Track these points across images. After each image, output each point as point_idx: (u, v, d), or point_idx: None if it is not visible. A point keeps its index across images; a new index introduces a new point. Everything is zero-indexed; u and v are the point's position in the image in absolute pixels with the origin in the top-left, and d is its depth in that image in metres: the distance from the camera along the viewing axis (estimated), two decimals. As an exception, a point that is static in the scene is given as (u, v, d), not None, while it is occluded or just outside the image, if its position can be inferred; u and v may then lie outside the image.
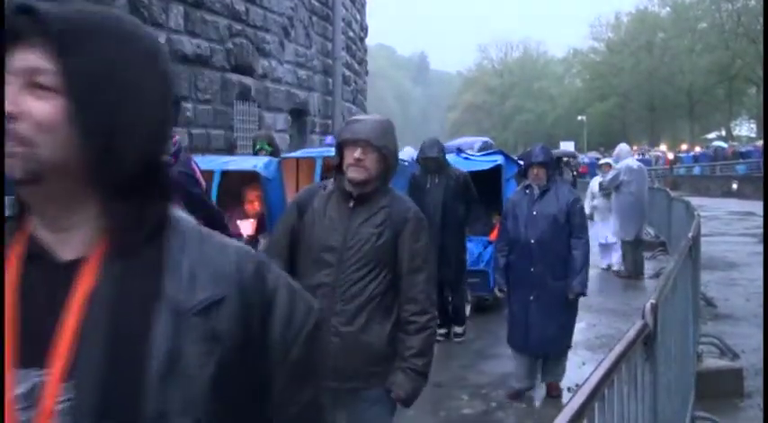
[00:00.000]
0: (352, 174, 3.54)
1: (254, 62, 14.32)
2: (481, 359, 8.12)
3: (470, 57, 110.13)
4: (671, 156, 52.47)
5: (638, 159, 17.00)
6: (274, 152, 8.76)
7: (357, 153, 3.51)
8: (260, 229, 7.12)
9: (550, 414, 6.27)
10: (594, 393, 2.31)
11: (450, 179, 8.51)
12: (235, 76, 13.53)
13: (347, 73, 20.40)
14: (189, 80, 12.05)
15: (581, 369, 7.29)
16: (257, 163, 7.48)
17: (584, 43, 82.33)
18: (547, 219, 6.44)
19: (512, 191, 9.37)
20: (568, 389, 6.67)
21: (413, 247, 3.55)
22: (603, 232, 13.42)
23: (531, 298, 6.48)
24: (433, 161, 8.49)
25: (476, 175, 9.27)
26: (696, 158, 50.21)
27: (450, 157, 9.43)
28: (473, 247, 9.36)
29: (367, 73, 24.37)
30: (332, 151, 7.02)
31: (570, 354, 8.18)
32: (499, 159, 10.29)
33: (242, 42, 13.76)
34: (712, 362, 6.89)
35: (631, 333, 2.97)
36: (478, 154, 11.21)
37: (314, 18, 17.76)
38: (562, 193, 6.58)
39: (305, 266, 3.61)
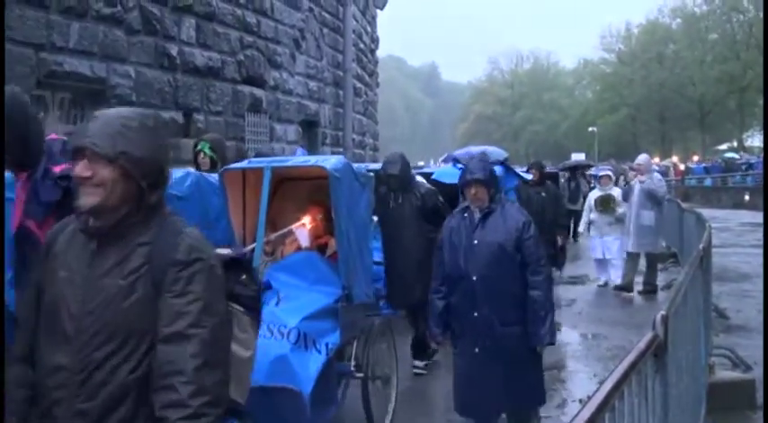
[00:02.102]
0: (79, 199, 2.48)
1: (266, 74, 14.39)
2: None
3: (481, 68, 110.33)
4: (682, 167, 52.30)
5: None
6: (218, 159, 7.32)
7: (81, 167, 2.46)
8: None
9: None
10: (604, 405, 2.31)
11: (415, 197, 7.85)
12: (246, 88, 13.59)
13: (358, 85, 20.46)
14: (200, 92, 12.11)
15: (591, 381, 7.29)
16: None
17: (595, 54, 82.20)
18: (490, 248, 5.15)
19: None
20: (580, 400, 6.66)
21: (174, 303, 2.41)
22: (602, 248, 13.00)
23: (476, 349, 5.20)
24: (394, 179, 7.84)
25: None
26: (707, 170, 50.03)
27: (446, 168, 9.31)
28: None
29: (378, 84, 24.43)
30: (287, 161, 6.45)
31: (581, 366, 8.20)
32: (496, 170, 9.83)
33: (253, 54, 13.82)
34: (724, 374, 6.86)
35: (642, 344, 2.96)
36: None
37: (325, 30, 17.84)
38: (510, 215, 5.25)
39: (42, 340, 2.52)
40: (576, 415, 2.16)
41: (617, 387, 2.48)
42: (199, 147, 7.47)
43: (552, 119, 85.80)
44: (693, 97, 67.68)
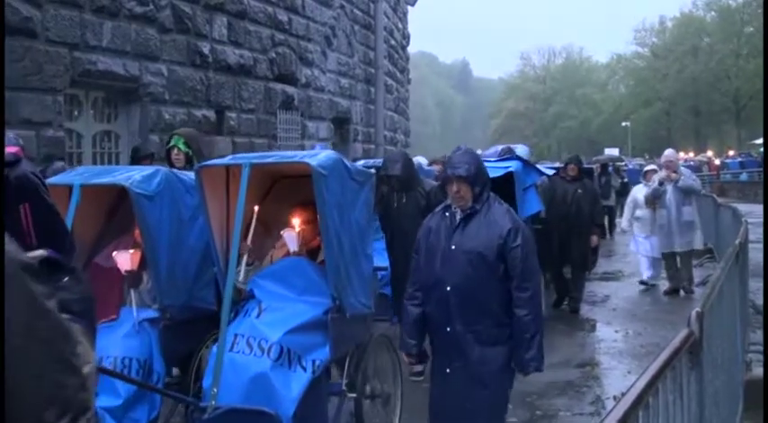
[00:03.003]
0: None
1: (297, 71, 14.43)
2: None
3: (512, 64, 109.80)
4: (717, 162, 51.71)
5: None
6: (193, 155, 6.78)
7: None
8: (144, 261, 5.36)
9: (595, 423, 6.22)
10: (639, 402, 2.29)
11: (420, 196, 7.41)
12: (278, 86, 13.64)
13: (389, 81, 20.45)
14: (233, 90, 12.17)
15: (626, 378, 7.22)
16: (131, 175, 5.27)
17: (628, 49, 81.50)
18: (468, 256, 4.48)
19: (531, 201, 8.79)
20: (614, 397, 6.60)
21: None
22: (649, 246, 12.27)
23: (448, 370, 4.60)
24: (395, 179, 7.39)
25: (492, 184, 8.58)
26: (743, 164, 49.40)
27: None
28: None
29: (409, 81, 24.41)
30: (268, 157, 5.81)
31: (615, 362, 8.13)
32: (513, 166, 8.75)
33: (285, 52, 13.87)
34: (762, 371, 6.77)
35: (677, 341, 2.93)
36: (493, 160, 9.49)
37: (356, 27, 17.85)
38: (495, 219, 4.53)
39: None
40: (610, 412, 2.14)
41: (651, 384, 2.45)
42: (172, 142, 6.92)
43: (585, 114, 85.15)
44: (729, 91, 66.90)
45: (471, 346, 4.49)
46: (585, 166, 17.70)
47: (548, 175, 10.45)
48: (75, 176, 5.39)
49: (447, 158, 5.23)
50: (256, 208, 5.53)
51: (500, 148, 12.12)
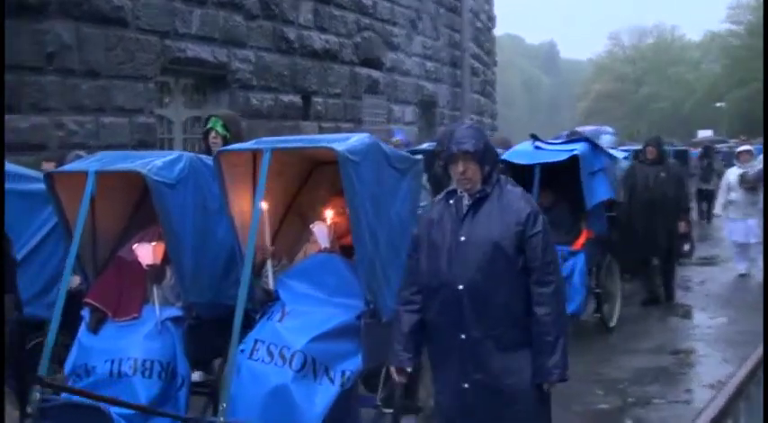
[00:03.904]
0: None
1: (382, 55, 14.41)
2: (616, 354, 7.88)
3: (601, 44, 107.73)
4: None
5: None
6: (231, 138, 6.14)
7: None
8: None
9: (691, 411, 6.05)
10: (740, 392, 2.19)
11: None
12: (363, 70, 13.66)
13: (475, 64, 20.27)
14: (318, 75, 12.24)
15: (721, 366, 7.02)
16: (151, 161, 4.74)
17: (722, 26, 79.01)
18: (482, 248, 3.75)
19: (599, 188, 8.26)
20: (711, 386, 6.40)
21: None
22: (743, 231, 11.61)
23: (465, 385, 3.80)
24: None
25: (553, 169, 7.89)
26: None
27: (520, 147, 8.47)
28: None
29: (495, 63, 24.15)
30: (292, 142, 5.11)
31: (710, 349, 7.90)
32: (578, 149, 8.02)
33: (370, 36, 13.87)
34: None
35: (780, 329, 2.80)
36: (557, 142, 8.87)
37: (441, 10, 17.72)
38: (510, 202, 3.83)
39: None
40: (710, 402, 2.06)
41: (753, 374, 2.35)
42: (209, 124, 6.28)
43: (677, 95, 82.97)
44: (829, 69, 64.33)
45: (491, 354, 3.75)
46: (681, 147, 17.18)
47: (616, 158, 9.65)
48: (91, 163, 4.95)
49: (447, 134, 4.54)
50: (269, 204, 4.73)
51: (588, 129, 11.71)
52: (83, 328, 4.77)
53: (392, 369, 3.96)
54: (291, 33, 11.51)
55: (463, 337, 3.75)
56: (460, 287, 3.73)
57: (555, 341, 3.69)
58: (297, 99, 11.72)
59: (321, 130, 12.01)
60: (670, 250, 9.97)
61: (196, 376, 4.93)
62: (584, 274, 7.90)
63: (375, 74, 14.11)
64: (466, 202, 3.83)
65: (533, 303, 3.72)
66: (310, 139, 5.44)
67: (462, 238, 3.77)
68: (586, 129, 14.09)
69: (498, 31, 25.64)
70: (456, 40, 18.69)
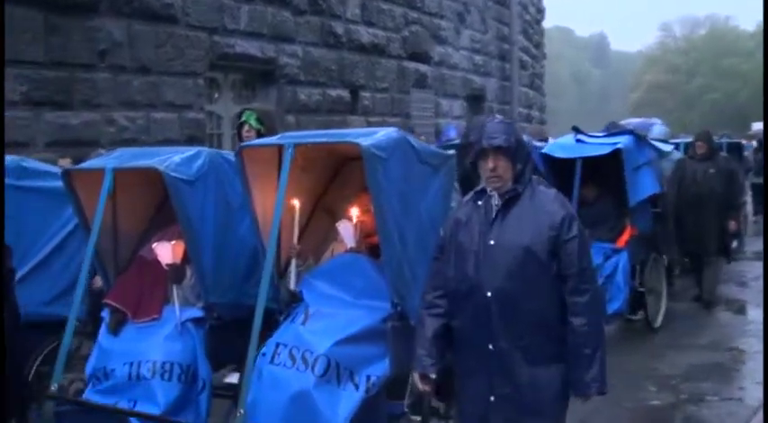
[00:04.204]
0: None
1: (430, 49, 14.36)
2: (668, 350, 7.77)
3: (652, 36, 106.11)
4: None
5: None
6: (265, 133, 5.79)
7: None
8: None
9: (744, 409, 5.94)
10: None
11: None
12: (411, 64, 13.63)
13: (524, 57, 20.10)
14: (366, 69, 12.23)
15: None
16: (169, 157, 4.65)
17: (778, 15, 77.27)
18: (513, 252, 3.52)
19: (644, 182, 7.99)
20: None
21: None
22: None
23: (492, 398, 3.60)
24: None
25: (596, 162, 7.69)
26: None
27: (561, 140, 8.27)
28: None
29: (544, 56, 23.92)
30: (316, 137, 4.88)
31: (754, 341, 7.73)
32: (621, 142, 7.74)
33: (417, 30, 13.82)
34: None
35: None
36: (598, 135, 8.43)
37: (489, 3, 17.60)
38: (544, 204, 3.60)
39: None
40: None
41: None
42: (243, 118, 6.02)
43: (731, 86, 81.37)
44: None
45: (520, 366, 3.53)
46: (735, 140, 16.78)
47: (663, 152, 9.20)
48: (109, 160, 4.85)
49: (475, 127, 4.20)
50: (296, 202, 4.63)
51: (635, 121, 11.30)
52: (103, 329, 4.72)
53: (415, 376, 3.78)
54: (339, 28, 11.51)
55: (491, 347, 3.55)
56: (489, 294, 3.53)
57: (593, 354, 3.49)
58: (345, 93, 11.73)
59: (369, 125, 11.99)
60: (717, 250, 9.56)
61: (233, 379, 4.74)
62: (628, 272, 7.64)
63: (423, 68, 14.07)
64: (495, 202, 3.60)
65: (569, 313, 3.51)
66: (335, 134, 5.18)
67: (491, 242, 3.55)
68: (633, 121, 13.70)
69: (547, 23, 25.40)
70: (504, 33, 18.54)
